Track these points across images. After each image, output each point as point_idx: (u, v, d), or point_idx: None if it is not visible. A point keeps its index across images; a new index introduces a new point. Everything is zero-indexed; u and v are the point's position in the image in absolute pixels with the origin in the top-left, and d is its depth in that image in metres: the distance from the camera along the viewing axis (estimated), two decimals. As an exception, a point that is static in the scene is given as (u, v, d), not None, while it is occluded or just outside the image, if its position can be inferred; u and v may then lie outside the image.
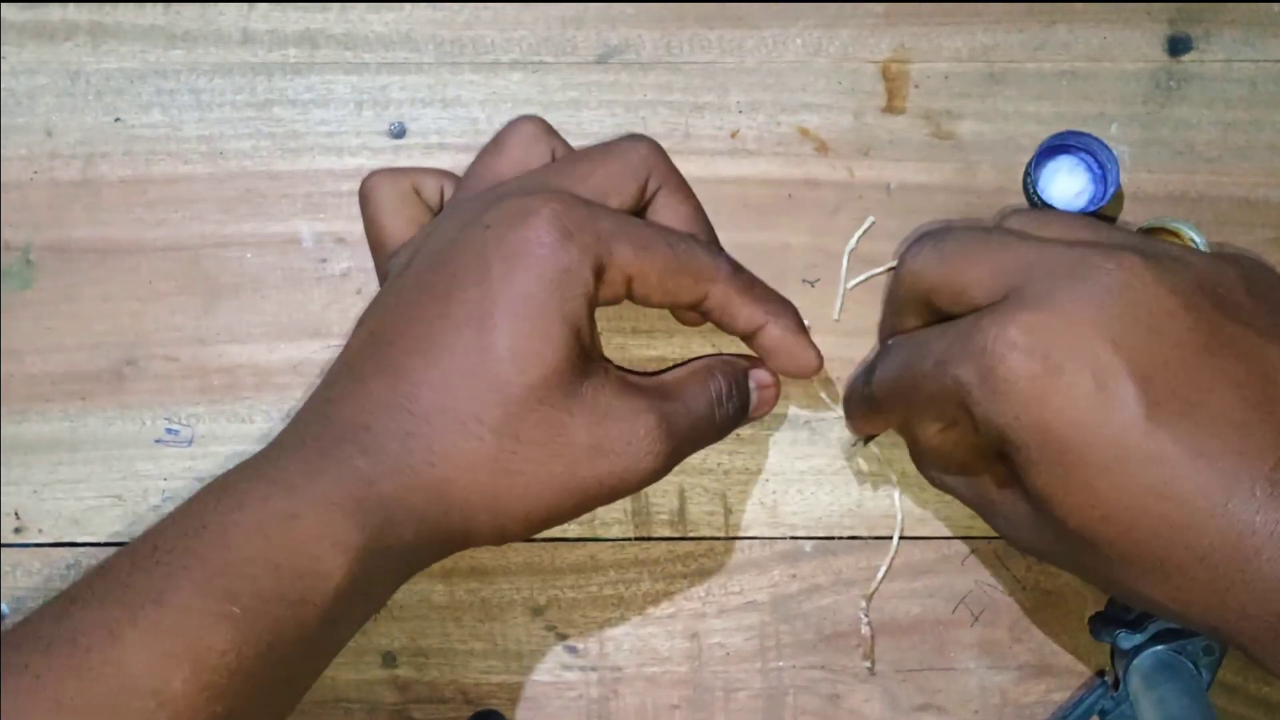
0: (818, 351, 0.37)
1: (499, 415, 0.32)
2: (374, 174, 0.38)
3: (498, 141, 0.38)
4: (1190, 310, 0.31)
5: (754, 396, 0.39)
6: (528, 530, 0.34)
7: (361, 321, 0.36)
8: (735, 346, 0.42)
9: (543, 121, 0.38)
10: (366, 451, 0.32)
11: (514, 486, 0.33)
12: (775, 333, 0.37)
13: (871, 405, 0.38)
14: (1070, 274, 0.31)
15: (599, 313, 0.35)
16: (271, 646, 0.29)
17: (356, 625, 0.33)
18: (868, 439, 0.41)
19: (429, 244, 0.35)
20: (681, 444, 0.36)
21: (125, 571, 0.29)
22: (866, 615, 0.42)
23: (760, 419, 0.40)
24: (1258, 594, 0.29)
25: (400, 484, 0.32)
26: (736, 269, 0.36)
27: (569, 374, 0.33)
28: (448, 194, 0.39)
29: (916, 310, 0.37)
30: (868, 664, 0.42)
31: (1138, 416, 0.29)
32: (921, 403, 0.35)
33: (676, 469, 0.41)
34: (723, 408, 0.37)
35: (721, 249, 0.38)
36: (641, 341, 0.42)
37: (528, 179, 0.36)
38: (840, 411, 0.42)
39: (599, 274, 0.33)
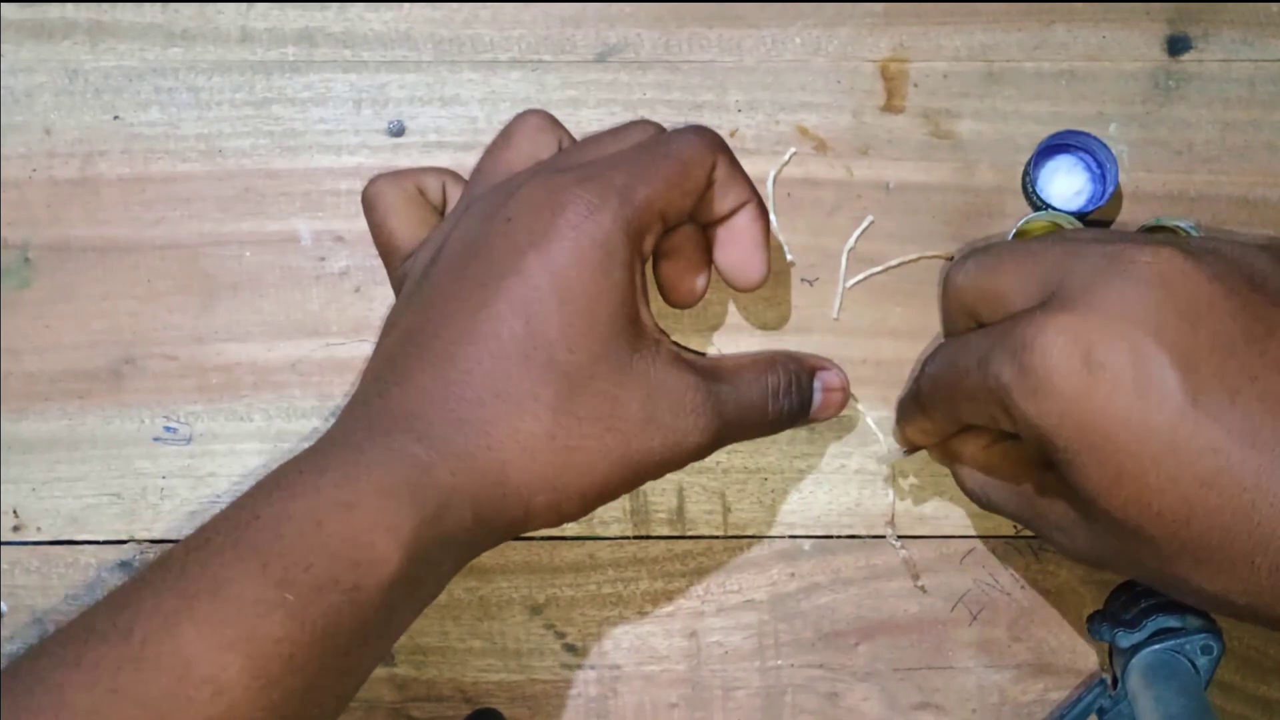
0: (768, 262, 0.37)
1: (554, 394, 0.32)
2: (377, 179, 0.38)
3: (505, 135, 0.38)
4: (1231, 297, 0.30)
5: (818, 397, 0.39)
6: (584, 508, 0.34)
7: (392, 324, 0.36)
8: (735, 346, 0.42)
9: (548, 114, 0.38)
10: (421, 439, 0.31)
11: (571, 463, 0.33)
12: (751, 213, 0.36)
13: (919, 404, 0.38)
14: (1107, 270, 0.31)
15: None
16: (327, 634, 0.29)
17: (413, 613, 0.33)
18: (911, 449, 0.41)
19: (452, 242, 0.35)
20: (729, 426, 0.36)
21: (179, 564, 0.29)
22: (896, 538, 0.42)
23: (823, 421, 0.40)
24: None
25: (457, 469, 0.32)
26: (721, 138, 0.36)
27: (620, 346, 0.33)
28: (451, 192, 0.39)
29: (965, 325, 0.37)
30: (897, 542, 0.42)
31: (1184, 406, 0.29)
32: (964, 402, 0.34)
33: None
34: (778, 401, 0.37)
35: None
36: (640, 340, 0.42)
37: (539, 167, 0.36)
38: (863, 413, 0.42)
39: (638, 233, 0.33)
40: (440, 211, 0.38)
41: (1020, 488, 0.36)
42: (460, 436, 0.32)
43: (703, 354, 0.38)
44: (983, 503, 0.38)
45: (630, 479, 0.34)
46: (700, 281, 0.38)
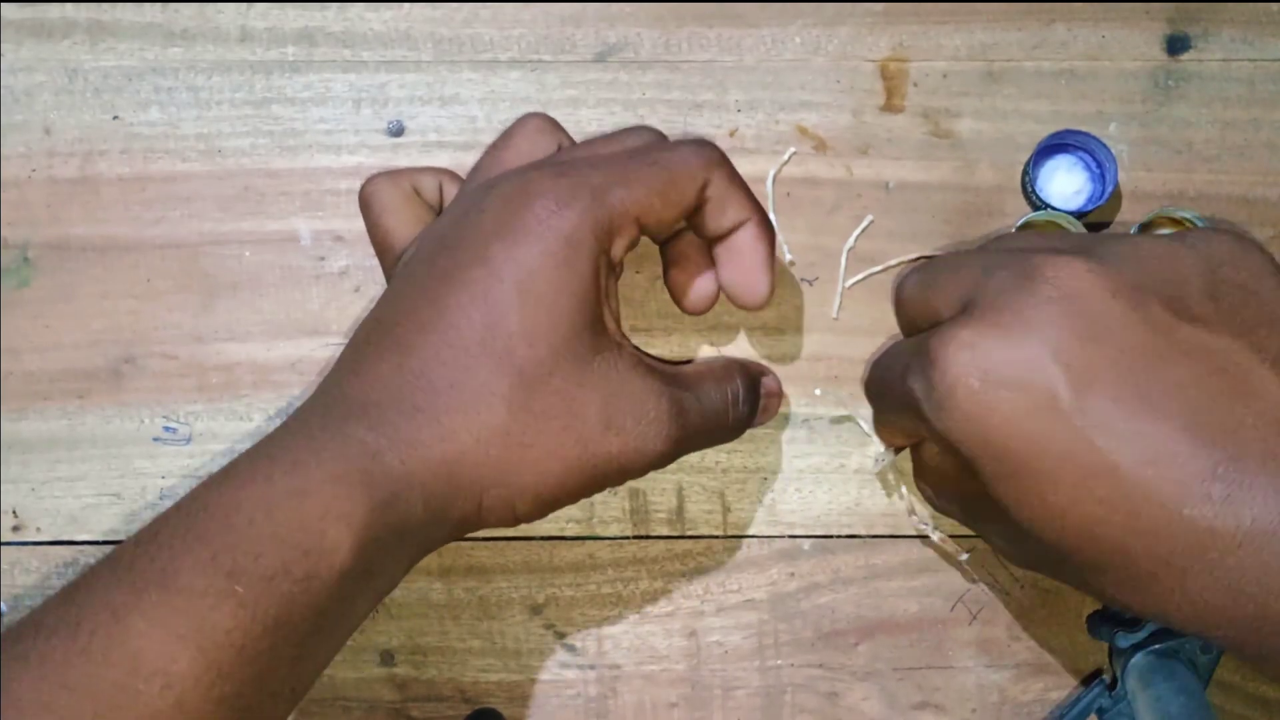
0: (772, 282, 0.36)
1: (510, 386, 0.32)
2: (373, 178, 0.38)
3: (505, 136, 0.38)
4: (1135, 312, 0.30)
5: (757, 411, 0.39)
6: (538, 508, 0.34)
7: (369, 314, 0.36)
8: (734, 347, 0.42)
9: (549, 117, 0.38)
10: (374, 427, 0.31)
11: (525, 460, 0.32)
12: (752, 232, 0.36)
13: (870, 400, 0.38)
14: (1013, 286, 0.31)
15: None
16: (279, 624, 0.29)
17: (368, 605, 0.33)
18: (897, 450, 0.41)
19: (428, 235, 0.35)
20: (692, 433, 0.36)
21: (128, 557, 0.29)
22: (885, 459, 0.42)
23: (761, 425, 0.41)
24: (1231, 596, 0.28)
25: (408, 458, 0.31)
26: (723, 153, 0.36)
27: (580, 347, 0.33)
28: (448, 191, 0.39)
29: (910, 333, 0.38)
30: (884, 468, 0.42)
31: (1080, 429, 0.29)
32: (891, 410, 0.35)
33: (675, 466, 0.41)
34: (737, 409, 0.37)
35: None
36: (640, 340, 0.42)
37: (526, 165, 0.36)
38: (852, 413, 0.42)
39: (607, 233, 0.33)
40: (437, 211, 0.38)
41: (962, 497, 0.36)
42: (413, 425, 0.31)
43: (672, 361, 0.39)
44: (934, 504, 0.39)
45: (588, 483, 0.34)
46: (707, 287, 0.37)
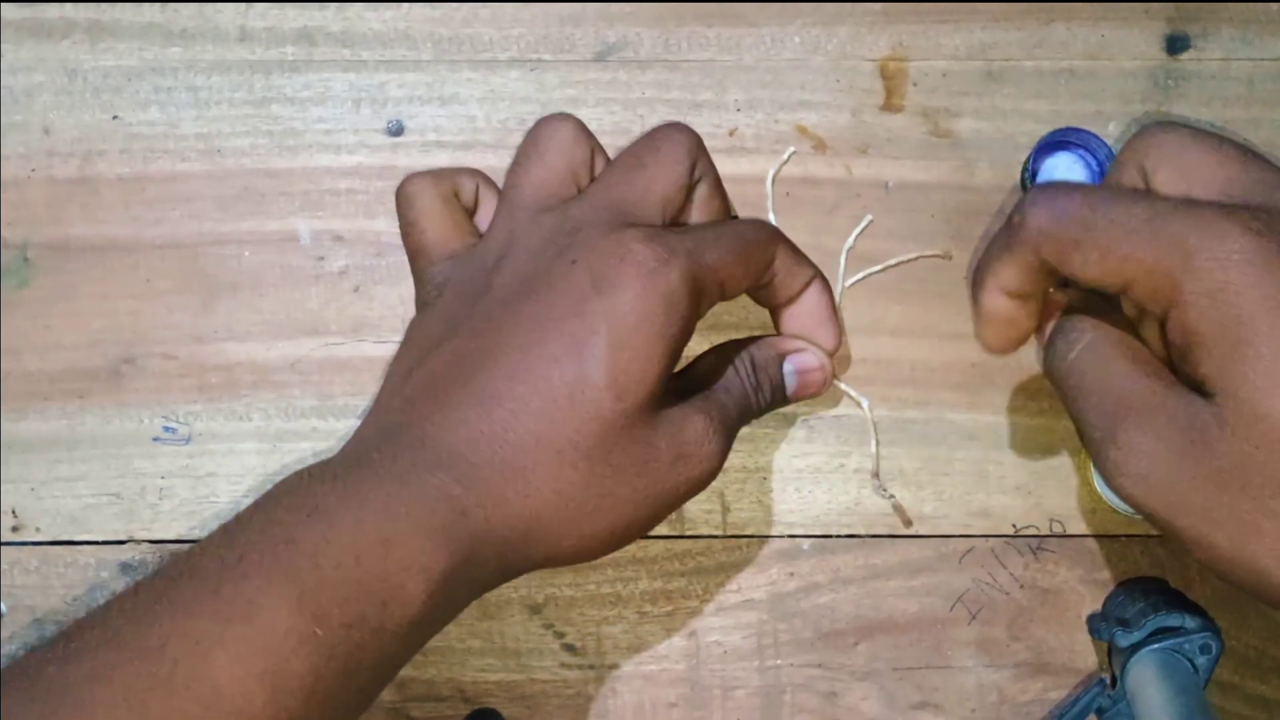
0: (841, 329, 0.39)
1: (593, 443, 0.32)
2: (413, 177, 0.38)
3: (536, 147, 0.37)
4: None
5: (792, 381, 0.38)
6: (609, 547, 0.34)
7: (431, 341, 0.35)
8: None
9: (578, 122, 0.37)
10: (462, 481, 0.31)
11: (601, 508, 0.33)
12: (819, 286, 0.38)
13: (1018, 243, 0.32)
14: None
15: None
16: (347, 670, 0.29)
17: (423, 643, 0.33)
18: (888, 495, 0.42)
19: (507, 273, 0.35)
20: (733, 434, 0.36)
21: (212, 581, 0.28)
22: (883, 491, 0.42)
23: (808, 399, 0.39)
24: None
25: (492, 514, 0.32)
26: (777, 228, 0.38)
27: (658, 398, 0.33)
28: (484, 196, 0.38)
29: (1132, 181, 0.34)
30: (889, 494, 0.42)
31: None
32: (1104, 250, 0.30)
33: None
34: (758, 389, 0.38)
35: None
36: (639, 340, 0.42)
37: (596, 201, 0.36)
38: (862, 404, 0.42)
39: (700, 294, 0.34)
40: (470, 213, 0.38)
41: (1145, 359, 0.32)
42: (501, 481, 0.32)
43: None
44: (1058, 357, 0.34)
45: (656, 514, 0.35)
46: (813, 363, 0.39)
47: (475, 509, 0.31)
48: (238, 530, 0.30)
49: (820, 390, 0.39)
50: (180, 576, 0.29)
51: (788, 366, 0.38)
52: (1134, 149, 0.34)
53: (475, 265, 0.36)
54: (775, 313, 0.39)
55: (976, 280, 0.34)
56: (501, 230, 0.37)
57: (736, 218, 0.41)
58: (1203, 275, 0.29)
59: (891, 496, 0.42)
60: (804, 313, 0.38)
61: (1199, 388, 0.30)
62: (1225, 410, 0.29)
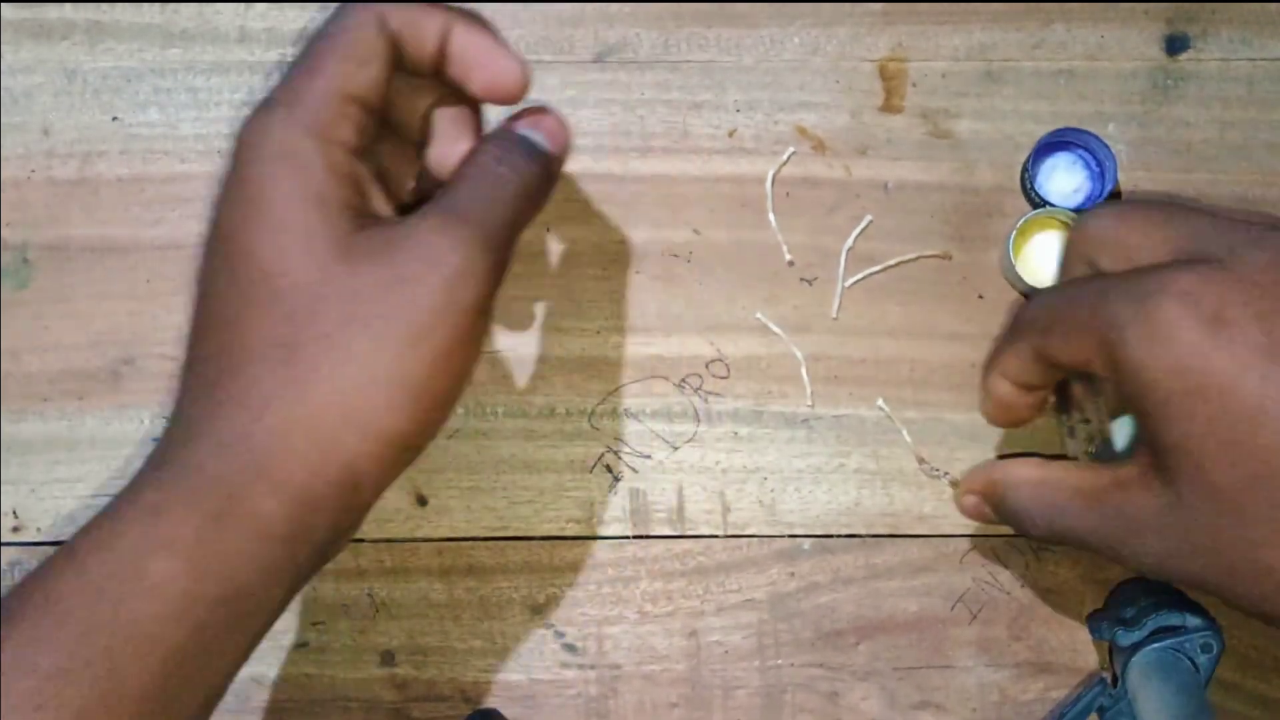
0: (521, 61, 0.32)
1: (287, 327, 0.29)
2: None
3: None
4: None
5: (544, 141, 0.33)
6: (414, 424, 0.30)
7: None
8: (735, 347, 0.42)
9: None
10: (190, 439, 0.29)
11: (352, 403, 0.29)
12: (463, 32, 0.32)
13: (1011, 335, 0.35)
14: (1248, 243, 0.31)
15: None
16: (144, 693, 0.27)
17: (275, 604, 0.30)
18: (943, 475, 0.41)
19: None
20: (503, 234, 0.31)
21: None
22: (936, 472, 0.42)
23: (564, 154, 0.33)
24: None
25: (223, 455, 0.29)
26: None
27: (356, 250, 0.29)
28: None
29: (1079, 272, 0.35)
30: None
31: None
32: (1062, 336, 0.33)
33: (675, 465, 0.41)
34: (514, 171, 0.32)
35: None
36: (640, 340, 0.42)
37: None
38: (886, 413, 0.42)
39: (324, 128, 0.30)
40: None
41: (1082, 490, 0.35)
42: (218, 418, 0.29)
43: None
44: (1039, 524, 0.36)
45: (433, 356, 0.29)
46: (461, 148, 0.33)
47: (209, 460, 0.29)
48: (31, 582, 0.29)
49: (563, 141, 0.33)
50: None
51: (530, 133, 0.33)
52: (1073, 245, 0.35)
53: None
54: (444, 77, 0.32)
55: (986, 365, 0.36)
56: None
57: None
58: (1138, 344, 0.30)
59: (946, 474, 0.42)
60: (466, 60, 0.32)
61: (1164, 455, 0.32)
62: (1179, 476, 0.31)
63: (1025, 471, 0.36)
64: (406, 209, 0.32)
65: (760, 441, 0.42)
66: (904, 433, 0.42)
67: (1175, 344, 0.30)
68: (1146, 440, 0.32)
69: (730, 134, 0.42)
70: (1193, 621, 0.39)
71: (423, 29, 0.31)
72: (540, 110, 0.33)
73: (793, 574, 0.42)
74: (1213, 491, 0.30)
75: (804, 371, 0.42)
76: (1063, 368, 0.34)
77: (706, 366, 0.42)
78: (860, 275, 0.42)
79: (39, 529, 0.42)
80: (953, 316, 0.42)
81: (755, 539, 0.42)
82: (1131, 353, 0.31)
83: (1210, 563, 0.32)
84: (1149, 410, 0.31)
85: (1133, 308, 0.31)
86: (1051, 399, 0.37)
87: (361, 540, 0.42)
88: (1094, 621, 0.41)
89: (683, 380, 0.42)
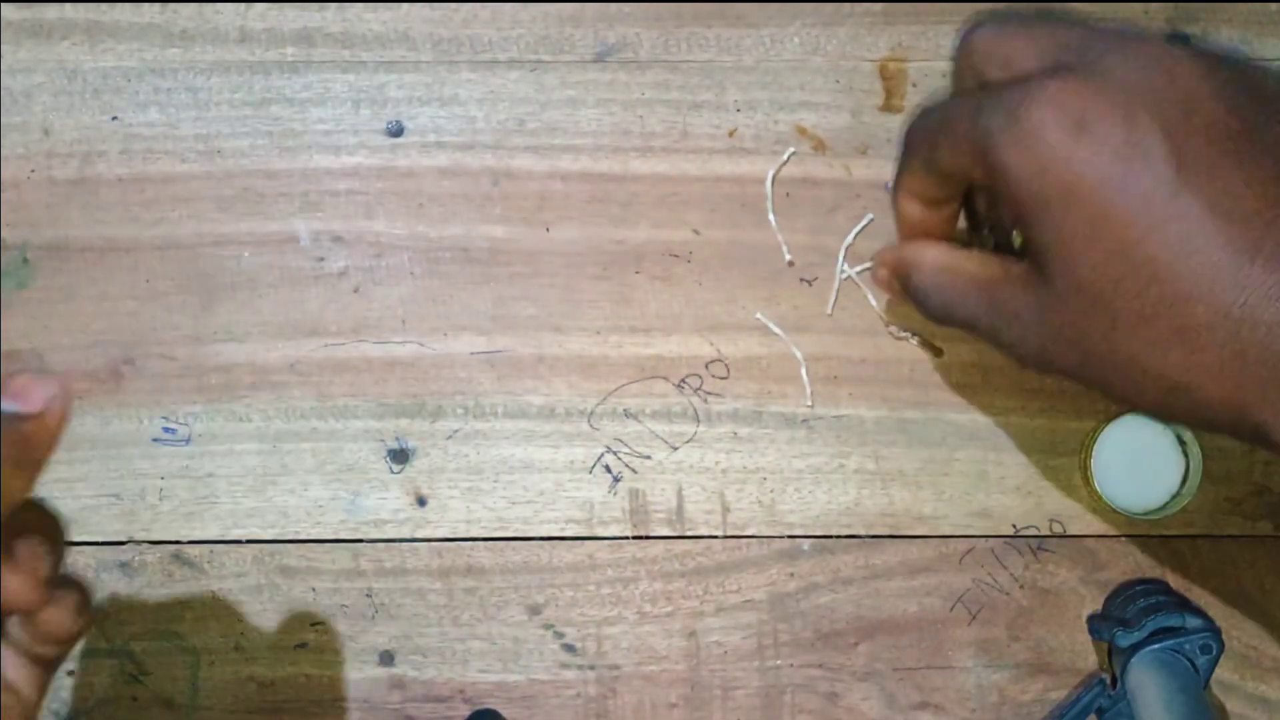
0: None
1: None
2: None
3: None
4: (1228, 99, 0.31)
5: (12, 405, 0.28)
6: None
7: None
8: (735, 347, 0.42)
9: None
10: None
11: None
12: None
13: (904, 149, 0.36)
14: (1117, 50, 0.32)
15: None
16: None
17: None
18: (910, 337, 0.41)
19: None
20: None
21: None
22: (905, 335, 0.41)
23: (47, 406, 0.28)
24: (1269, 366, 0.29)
25: None
26: None
27: None
28: None
29: (969, 84, 0.36)
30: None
31: (1166, 175, 0.30)
32: (946, 145, 0.34)
33: (675, 466, 0.41)
34: None
35: None
36: (640, 339, 0.42)
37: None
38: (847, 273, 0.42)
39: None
40: None
41: (977, 278, 0.36)
42: None
43: None
44: (935, 304, 0.37)
45: None
46: None
47: None
48: None
49: (35, 384, 0.28)
50: None
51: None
52: (962, 57, 0.36)
53: None
54: None
55: (893, 186, 0.37)
56: None
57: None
58: (1008, 150, 0.31)
59: (915, 336, 0.41)
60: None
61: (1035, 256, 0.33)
62: (1051, 274, 0.32)
63: (932, 255, 0.37)
64: None
65: (760, 442, 0.42)
66: (870, 297, 0.42)
67: (1042, 148, 0.31)
68: (1025, 241, 0.33)
69: (730, 134, 0.42)
70: (1192, 623, 0.39)
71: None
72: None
73: (792, 574, 0.42)
74: (1081, 287, 0.31)
75: (804, 372, 0.42)
76: (954, 179, 0.35)
77: (706, 367, 0.42)
78: (860, 269, 0.42)
79: (39, 529, 0.42)
80: (953, 317, 0.42)
81: (755, 539, 0.42)
82: (1003, 157, 0.32)
83: (1081, 355, 0.33)
84: (1022, 214, 0.32)
85: (1003, 115, 0.32)
86: (963, 217, 0.38)
87: (360, 540, 0.42)
88: (1093, 622, 0.41)
89: (682, 380, 0.42)
